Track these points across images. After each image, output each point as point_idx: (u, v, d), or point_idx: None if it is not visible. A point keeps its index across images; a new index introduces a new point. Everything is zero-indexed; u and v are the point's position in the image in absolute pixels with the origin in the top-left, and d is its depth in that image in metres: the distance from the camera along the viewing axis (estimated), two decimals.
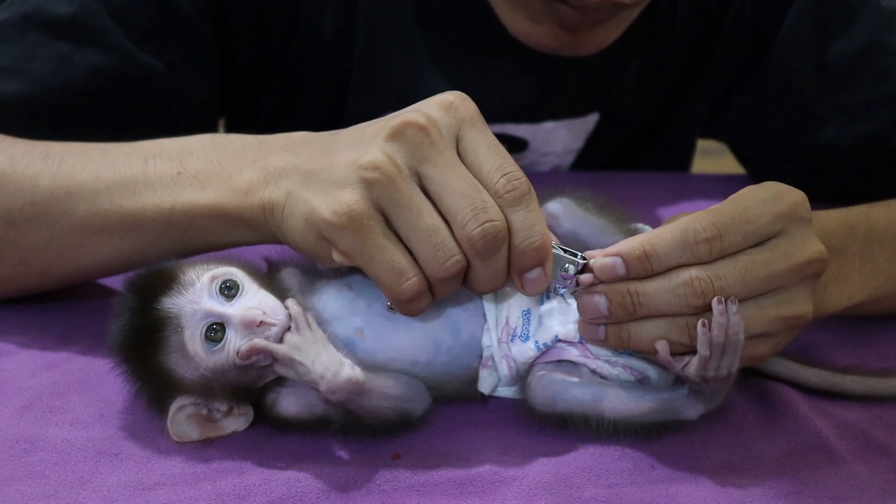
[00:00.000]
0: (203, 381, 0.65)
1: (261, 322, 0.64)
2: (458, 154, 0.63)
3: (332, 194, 0.63)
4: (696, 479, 0.65)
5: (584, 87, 1.07)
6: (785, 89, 1.06)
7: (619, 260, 0.63)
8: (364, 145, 0.64)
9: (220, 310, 0.65)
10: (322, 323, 0.67)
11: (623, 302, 0.64)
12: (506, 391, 0.72)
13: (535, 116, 1.06)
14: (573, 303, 0.68)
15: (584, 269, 0.65)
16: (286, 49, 0.98)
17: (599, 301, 0.64)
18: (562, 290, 0.69)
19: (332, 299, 0.69)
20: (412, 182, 0.62)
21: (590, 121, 1.10)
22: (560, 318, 0.69)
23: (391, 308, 0.67)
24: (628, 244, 0.64)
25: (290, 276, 0.71)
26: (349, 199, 0.62)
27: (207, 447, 0.67)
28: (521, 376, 0.70)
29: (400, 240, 0.63)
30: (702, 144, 1.24)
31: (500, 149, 0.64)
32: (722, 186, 1.13)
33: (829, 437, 0.69)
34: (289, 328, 0.65)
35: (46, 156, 0.77)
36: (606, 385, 0.68)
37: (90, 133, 0.86)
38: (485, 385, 0.71)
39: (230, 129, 1.05)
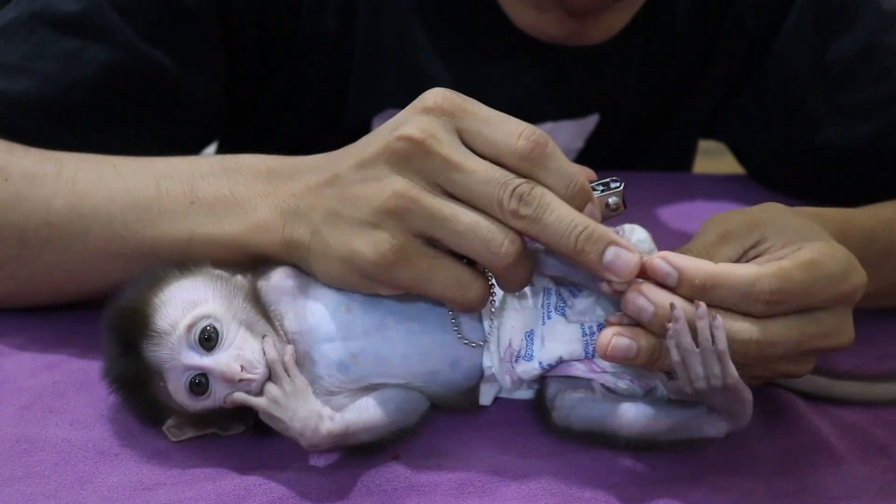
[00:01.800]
0: (196, 413, 0.66)
1: (240, 379, 0.63)
2: (467, 142, 0.63)
3: (367, 235, 0.63)
4: (696, 479, 0.65)
5: (583, 87, 1.07)
6: (785, 90, 1.06)
7: (674, 273, 0.61)
8: (376, 178, 0.63)
9: (199, 363, 0.64)
10: (314, 343, 0.67)
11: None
12: (507, 394, 0.72)
13: (535, 117, 1.06)
14: (574, 323, 0.67)
15: (622, 194, 0.65)
16: (288, 46, 0.98)
17: (646, 307, 0.61)
18: (560, 310, 0.68)
19: (327, 319, 0.68)
20: (437, 195, 0.62)
21: (590, 121, 1.10)
22: (563, 340, 0.68)
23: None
24: (693, 265, 0.61)
25: (281, 283, 0.69)
26: (386, 236, 0.62)
27: (207, 447, 0.67)
28: (523, 382, 0.69)
29: (451, 253, 0.63)
30: (702, 144, 1.24)
31: (499, 115, 0.63)
32: (722, 186, 1.14)
33: (829, 437, 0.69)
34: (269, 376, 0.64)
35: (60, 172, 0.76)
36: (626, 402, 0.67)
37: (99, 130, 0.86)
38: (486, 398, 0.71)
39: (230, 126, 1.05)
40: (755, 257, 0.65)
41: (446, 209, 0.62)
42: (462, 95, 0.64)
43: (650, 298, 0.61)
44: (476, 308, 0.64)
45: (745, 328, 0.61)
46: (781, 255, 0.64)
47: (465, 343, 0.68)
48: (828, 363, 0.76)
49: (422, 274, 0.63)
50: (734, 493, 0.64)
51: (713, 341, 0.60)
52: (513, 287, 0.64)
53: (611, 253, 0.61)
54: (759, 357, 0.62)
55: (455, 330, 0.68)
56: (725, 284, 0.61)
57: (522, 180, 0.61)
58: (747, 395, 0.63)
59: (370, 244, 0.63)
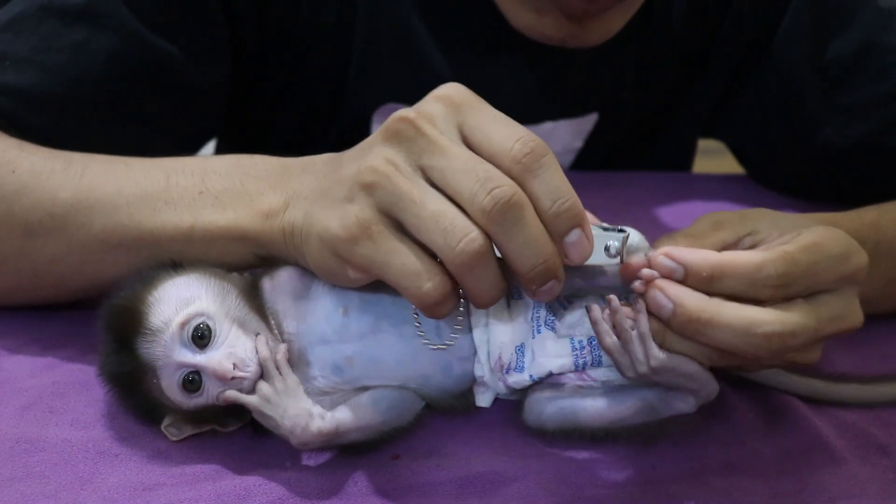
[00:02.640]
0: (191, 411, 0.66)
1: (232, 377, 0.63)
2: (466, 139, 0.62)
3: (340, 209, 0.62)
4: (696, 479, 0.65)
5: (582, 86, 1.07)
6: (784, 89, 1.06)
7: (679, 268, 0.61)
8: (364, 154, 0.63)
9: (192, 361, 0.64)
10: (309, 344, 0.67)
11: (689, 324, 0.61)
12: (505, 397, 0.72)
13: (535, 117, 1.06)
14: (564, 338, 0.67)
15: (625, 241, 0.63)
16: (287, 40, 0.98)
17: (665, 305, 0.61)
18: (549, 324, 0.68)
19: (323, 320, 0.68)
20: (414, 177, 0.61)
21: (589, 121, 1.10)
22: (554, 355, 0.67)
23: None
24: (699, 257, 0.61)
25: (282, 283, 0.69)
26: (355, 209, 0.61)
27: (207, 447, 0.67)
28: (518, 390, 0.69)
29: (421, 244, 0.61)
30: (702, 144, 1.23)
31: (506, 118, 0.62)
32: (722, 186, 1.14)
33: (829, 437, 0.69)
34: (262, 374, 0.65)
35: (68, 167, 0.76)
36: (589, 393, 0.67)
37: (107, 122, 0.86)
38: (485, 401, 0.71)
39: (229, 121, 1.05)
40: (751, 245, 0.66)
41: (416, 192, 0.60)
42: (478, 96, 0.63)
43: (670, 296, 0.61)
44: (433, 309, 0.61)
45: (767, 321, 0.61)
46: (781, 243, 0.64)
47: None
48: (827, 363, 0.76)
49: (381, 255, 0.61)
50: (734, 493, 0.64)
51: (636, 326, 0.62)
52: (477, 300, 0.61)
53: (548, 285, 0.61)
54: (780, 349, 0.62)
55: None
56: (732, 273, 0.61)
57: (506, 183, 0.59)
58: (688, 367, 0.63)
59: (339, 218, 0.62)
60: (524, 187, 0.59)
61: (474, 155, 0.60)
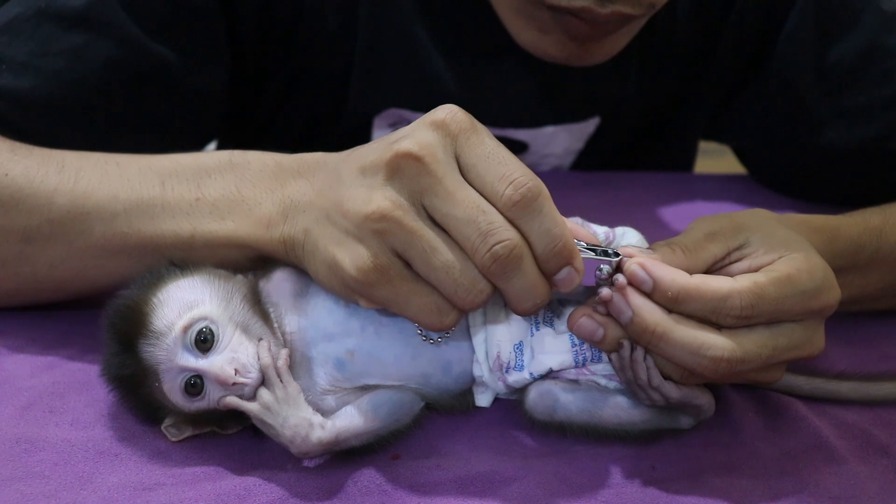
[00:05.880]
0: (192, 413, 0.66)
1: (234, 382, 0.64)
2: (462, 171, 0.62)
3: (350, 248, 0.63)
4: (696, 479, 0.65)
5: (584, 92, 1.07)
6: (786, 92, 1.06)
7: (649, 281, 0.63)
8: (367, 187, 0.63)
9: (194, 365, 0.64)
10: (312, 341, 0.67)
11: (643, 334, 0.63)
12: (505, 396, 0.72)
13: (536, 121, 1.06)
14: (563, 334, 0.68)
15: (619, 264, 0.64)
16: (289, 45, 0.98)
17: (625, 311, 0.63)
18: (548, 321, 0.68)
19: (326, 314, 0.68)
20: (421, 219, 0.62)
21: (590, 124, 1.10)
22: (553, 352, 0.68)
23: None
24: (668, 276, 0.63)
25: (282, 282, 0.69)
26: (368, 253, 0.62)
27: (207, 447, 0.67)
28: (518, 390, 0.70)
29: None
30: (702, 144, 1.23)
31: (502, 155, 0.62)
32: (723, 186, 1.14)
33: (829, 437, 0.69)
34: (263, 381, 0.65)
35: (62, 169, 0.76)
36: (606, 393, 0.68)
37: (105, 126, 0.86)
38: (485, 401, 0.71)
39: (230, 125, 1.04)
40: (738, 260, 0.67)
41: (425, 241, 0.61)
42: (473, 119, 0.63)
43: (631, 304, 0.63)
44: (445, 329, 0.64)
45: (717, 346, 0.63)
46: (762, 263, 0.66)
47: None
48: (826, 363, 0.76)
49: (401, 296, 0.62)
50: (734, 493, 0.64)
51: (649, 379, 0.65)
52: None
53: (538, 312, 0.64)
54: (728, 373, 0.64)
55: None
56: (698, 298, 0.63)
57: (505, 236, 0.60)
58: (700, 400, 0.67)
59: (352, 258, 0.62)
60: (518, 228, 0.61)
61: (476, 199, 0.61)
